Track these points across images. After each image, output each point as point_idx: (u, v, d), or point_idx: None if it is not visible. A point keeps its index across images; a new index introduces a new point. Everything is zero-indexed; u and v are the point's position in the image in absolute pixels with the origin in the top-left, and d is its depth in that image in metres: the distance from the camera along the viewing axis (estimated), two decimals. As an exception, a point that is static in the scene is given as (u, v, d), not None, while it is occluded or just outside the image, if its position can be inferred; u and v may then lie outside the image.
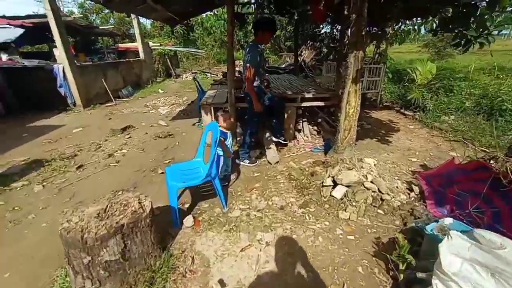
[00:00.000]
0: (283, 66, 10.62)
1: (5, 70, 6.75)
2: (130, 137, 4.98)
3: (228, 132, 2.94)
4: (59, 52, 6.65)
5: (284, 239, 2.29)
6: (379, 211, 2.56)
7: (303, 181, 3.09)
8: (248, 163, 3.58)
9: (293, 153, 3.96)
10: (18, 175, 3.47)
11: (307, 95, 4.26)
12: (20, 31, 7.72)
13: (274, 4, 5.05)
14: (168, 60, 13.36)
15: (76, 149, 4.36)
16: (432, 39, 11.97)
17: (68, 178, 3.42)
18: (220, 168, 2.95)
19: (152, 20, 15.94)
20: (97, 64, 8.34)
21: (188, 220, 2.44)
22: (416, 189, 2.83)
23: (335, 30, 7.46)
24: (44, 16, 8.21)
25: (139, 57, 11.49)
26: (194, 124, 5.60)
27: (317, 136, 4.60)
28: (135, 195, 1.89)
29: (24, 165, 3.77)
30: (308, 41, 10.27)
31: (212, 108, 4.22)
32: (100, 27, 12.95)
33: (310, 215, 2.57)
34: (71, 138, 5.06)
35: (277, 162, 3.62)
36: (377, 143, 4.39)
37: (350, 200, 2.61)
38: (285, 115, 4.20)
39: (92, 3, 17.82)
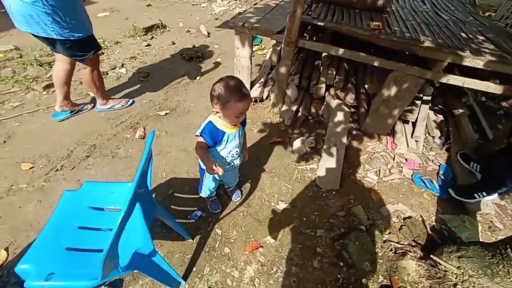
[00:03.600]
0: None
1: None
2: (149, 45, 3.48)
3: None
4: None
5: None
6: None
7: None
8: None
9: (370, 169, 1.99)
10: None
11: (470, 61, 1.78)
12: None
13: None
14: None
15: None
16: None
17: (21, 103, 2.36)
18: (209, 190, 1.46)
19: None
20: None
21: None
22: None
23: None
24: None
25: None
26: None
27: (437, 142, 2.33)
28: None
29: None
30: None
31: (252, 36, 2.20)
32: None
33: None
34: (87, 26, 3.84)
35: (335, 190, 1.81)
36: None
37: None
38: (393, 89, 1.98)
39: None
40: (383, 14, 2.38)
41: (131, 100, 2.49)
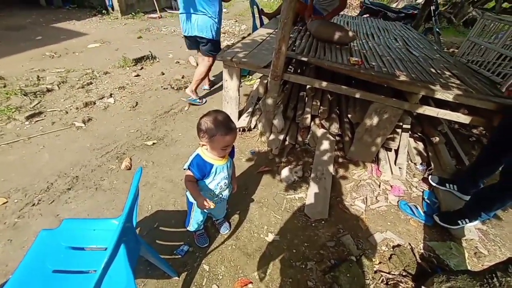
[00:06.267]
0: (398, 7, 7.06)
1: None
2: (138, 76, 3.55)
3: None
4: None
5: None
6: None
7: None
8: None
9: (357, 197, 2.02)
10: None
11: (441, 94, 1.93)
12: None
13: None
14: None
15: (61, 79, 3.16)
16: None
17: (1, 133, 2.29)
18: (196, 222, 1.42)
19: None
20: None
21: None
22: None
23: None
24: None
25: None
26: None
27: (419, 168, 2.42)
28: None
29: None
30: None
31: (240, 69, 2.31)
32: None
33: None
34: (77, 56, 3.90)
35: (324, 220, 1.80)
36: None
37: None
38: (375, 119, 2.09)
39: None
40: (346, 46, 2.64)
41: (204, 100, 3.12)
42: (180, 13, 2.52)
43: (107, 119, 2.66)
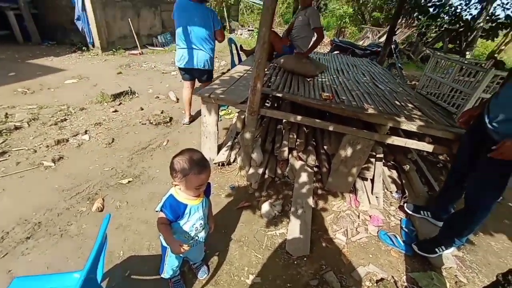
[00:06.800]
0: (364, 45, 7.78)
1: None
2: (116, 111, 3.51)
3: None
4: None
5: None
6: None
7: None
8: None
9: (338, 230, 2.01)
10: None
11: (406, 125, 2.08)
12: None
13: None
14: (224, 9, 11.30)
15: (32, 116, 3.05)
16: None
17: (-41, 176, 2.12)
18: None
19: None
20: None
21: None
22: None
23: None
24: None
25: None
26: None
27: (395, 196, 2.49)
28: None
29: None
30: (411, 16, 7.12)
31: (219, 105, 2.37)
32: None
33: None
34: (52, 92, 3.82)
35: (304, 257, 1.75)
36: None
37: None
38: (349, 150, 2.17)
39: None
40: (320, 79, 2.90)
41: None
42: (180, 48, 2.86)
43: (80, 157, 2.55)
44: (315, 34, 3.39)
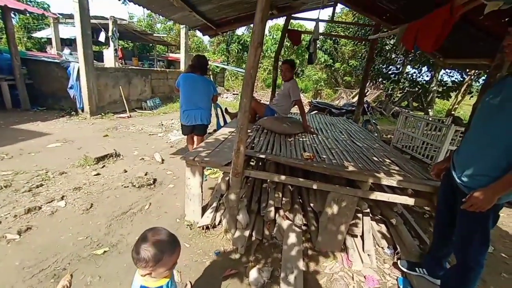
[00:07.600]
0: (340, 104, 8.55)
1: (29, 61, 6.15)
2: (98, 174, 3.43)
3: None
4: (79, 49, 5.76)
5: None
6: None
7: None
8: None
9: (339, 301, 1.84)
10: None
11: (386, 180, 2.16)
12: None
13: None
14: (211, 77, 12.42)
15: (4, 183, 2.90)
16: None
17: None
18: None
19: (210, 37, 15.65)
20: (122, 69, 7.38)
21: None
22: None
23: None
24: (102, 17, 7.83)
25: (180, 68, 10.68)
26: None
27: (387, 252, 2.41)
28: None
29: None
30: (376, 80, 8.12)
31: (203, 168, 2.40)
32: (155, 35, 12.76)
33: None
34: (32, 157, 3.74)
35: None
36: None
37: None
38: (335, 207, 2.17)
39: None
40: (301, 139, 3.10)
41: None
42: (186, 110, 3.43)
43: (52, 226, 2.36)
44: (296, 105, 3.78)
